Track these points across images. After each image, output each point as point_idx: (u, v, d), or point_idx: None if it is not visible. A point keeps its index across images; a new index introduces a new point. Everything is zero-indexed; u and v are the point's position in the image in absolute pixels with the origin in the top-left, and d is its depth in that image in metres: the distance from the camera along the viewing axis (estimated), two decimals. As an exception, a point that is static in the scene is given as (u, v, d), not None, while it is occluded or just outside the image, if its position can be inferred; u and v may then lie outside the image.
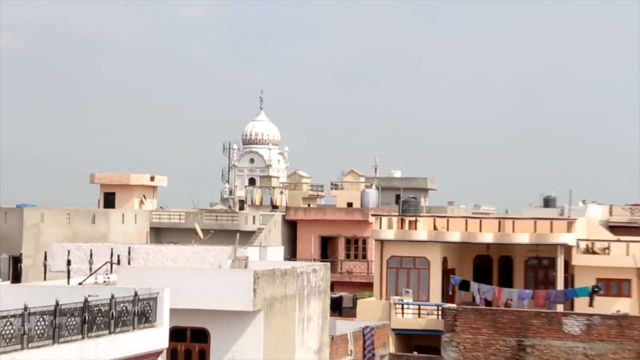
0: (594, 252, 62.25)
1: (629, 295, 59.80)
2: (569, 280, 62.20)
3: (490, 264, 67.30)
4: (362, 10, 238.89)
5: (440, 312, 58.85)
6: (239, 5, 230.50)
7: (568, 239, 62.74)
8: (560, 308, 57.85)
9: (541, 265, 65.50)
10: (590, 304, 57.89)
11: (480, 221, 68.53)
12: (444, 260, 64.89)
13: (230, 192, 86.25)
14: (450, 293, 62.81)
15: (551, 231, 64.07)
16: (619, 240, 63.47)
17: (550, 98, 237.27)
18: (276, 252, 54.32)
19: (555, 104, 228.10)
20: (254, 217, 71.92)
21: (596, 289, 58.62)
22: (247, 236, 63.15)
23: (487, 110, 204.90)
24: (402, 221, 66.69)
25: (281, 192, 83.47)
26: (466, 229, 65.80)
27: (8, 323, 21.22)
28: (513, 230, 65.00)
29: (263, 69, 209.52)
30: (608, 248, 62.38)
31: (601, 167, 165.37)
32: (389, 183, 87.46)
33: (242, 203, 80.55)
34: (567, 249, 62.58)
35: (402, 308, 60.95)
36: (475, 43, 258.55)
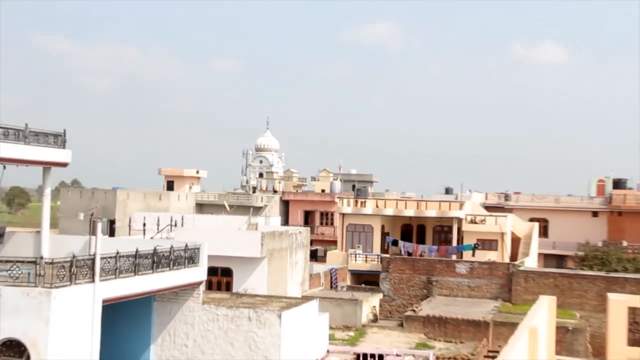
0: (475, 222, 63.55)
1: (495, 249, 61.09)
2: (460, 240, 63.61)
3: (412, 230, 68.26)
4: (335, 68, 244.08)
5: (379, 260, 57.71)
6: (255, 63, 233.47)
7: (459, 214, 64.15)
8: (454, 257, 58.67)
9: (443, 230, 66.09)
10: (473, 255, 58.89)
11: (405, 202, 69.74)
12: (382, 227, 66.08)
13: (247, 182, 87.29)
14: (386, 247, 63.73)
15: (449, 209, 65.54)
16: (490, 215, 64.90)
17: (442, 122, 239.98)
18: (275, 220, 55.99)
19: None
20: (261, 198, 72.94)
21: (476, 246, 59.84)
22: (257, 210, 64.42)
23: (411, 132, 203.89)
24: (356, 202, 68.02)
25: (279, 182, 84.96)
26: (396, 207, 67.38)
27: (107, 262, 23.18)
28: (426, 208, 66.42)
29: (270, 103, 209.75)
30: (484, 220, 63.78)
31: (480, 167, 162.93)
32: (348, 177, 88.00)
33: (254, 189, 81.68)
34: (459, 220, 63.85)
35: (355, 257, 62.28)
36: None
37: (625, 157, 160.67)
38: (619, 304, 14.08)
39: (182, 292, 28.37)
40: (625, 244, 69.44)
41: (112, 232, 53.75)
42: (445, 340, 41.37)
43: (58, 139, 26.11)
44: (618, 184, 77.76)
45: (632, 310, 14.81)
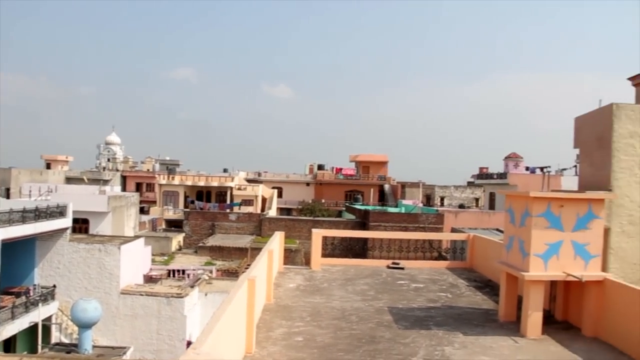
0: (240, 189, 63.80)
1: (252, 205, 61.69)
2: (231, 199, 63.59)
3: (203, 194, 67.63)
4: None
5: (183, 213, 57.42)
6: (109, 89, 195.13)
7: (231, 184, 64.42)
8: (228, 210, 58.74)
9: (222, 194, 66.10)
10: (239, 208, 58.68)
11: (199, 177, 68.28)
12: (185, 192, 65.19)
13: (99, 164, 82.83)
14: (187, 205, 62.94)
15: (225, 181, 65.56)
16: (249, 185, 65.58)
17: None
18: (117, 188, 54.23)
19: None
20: (108, 174, 69.82)
21: (241, 203, 60.73)
22: (105, 182, 61.26)
23: (207, 125, 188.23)
24: (168, 176, 66.69)
25: (120, 164, 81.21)
26: (194, 180, 66.48)
27: (4, 215, 23.03)
28: (211, 181, 66.01)
29: (117, 111, 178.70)
30: (246, 188, 64.29)
31: (244, 154, 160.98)
32: (164, 161, 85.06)
33: (104, 168, 77.55)
34: (231, 188, 63.98)
35: (168, 211, 61.12)
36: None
37: (323, 149, 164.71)
38: (317, 234, 14.85)
39: (55, 234, 27.71)
40: (323, 201, 72.10)
41: (8, 197, 49.51)
42: (223, 260, 42.03)
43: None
44: (320, 167, 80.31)
45: (324, 238, 15.87)
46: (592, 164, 13.17)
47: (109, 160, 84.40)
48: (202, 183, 66.75)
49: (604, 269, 11.53)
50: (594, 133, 13.03)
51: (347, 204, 66.79)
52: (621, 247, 12.27)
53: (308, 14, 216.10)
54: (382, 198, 72.91)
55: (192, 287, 29.96)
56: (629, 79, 15.53)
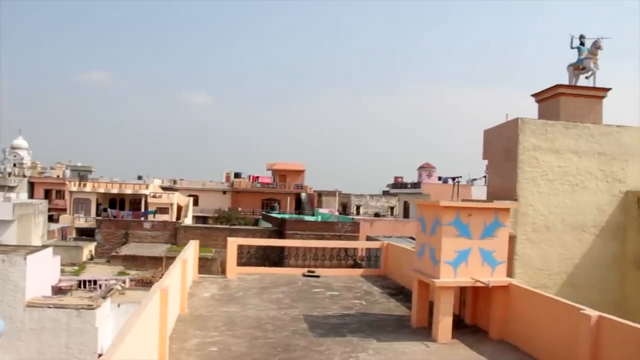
0: (155, 197, 62.63)
1: (168, 214, 60.60)
2: (146, 207, 62.24)
3: (116, 201, 65.87)
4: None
5: (95, 221, 55.74)
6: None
7: (146, 192, 63.06)
8: (142, 219, 57.57)
9: (136, 202, 64.69)
10: (154, 217, 58.02)
11: (112, 184, 66.71)
12: (97, 200, 63.40)
13: (4, 169, 78.73)
14: (99, 213, 61.08)
15: (140, 189, 64.14)
16: (164, 192, 64.33)
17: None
18: (23, 195, 51.87)
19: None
20: (14, 180, 66.61)
21: (156, 211, 59.45)
22: (11, 188, 58.47)
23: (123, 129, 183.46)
24: (80, 183, 64.33)
25: (27, 170, 77.74)
26: (106, 187, 64.59)
27: None
28: (125, 188, 64.43)
29: (24, 115, 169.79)
30: (161, 196, 63.05)
31: (160, 162, 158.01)
32: (75, 167, 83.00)
33: (9, 174, 73.91)
34: (146, 196, 62.72)
35: (79, 219, 59.14)
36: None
37: (240, 157, 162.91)
38: (233, 243, 14.75)
39: (-44, 244, 25.52)
40: (240, 209, 71.74)
41: None
42: (137, 269, 41.07)
43: None
44: (237, 175, 79.97)
45: (241, 247, 15.82)
46: (499, 175, 13.75)
47: (15, 165, 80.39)
48: (115, 190, 64.90)
49: (510, 274, 12.02)
50: (502, 145, 13.61)
51: (263, 213, 66.67)
52: (526, 254, 12.84)
53: (230, 20, 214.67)
54: (299, 206, 73.20)
55: (104, 298, 28.76)
56: (533, 95, 16.31)
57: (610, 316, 7.07)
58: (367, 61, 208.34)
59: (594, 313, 7.14)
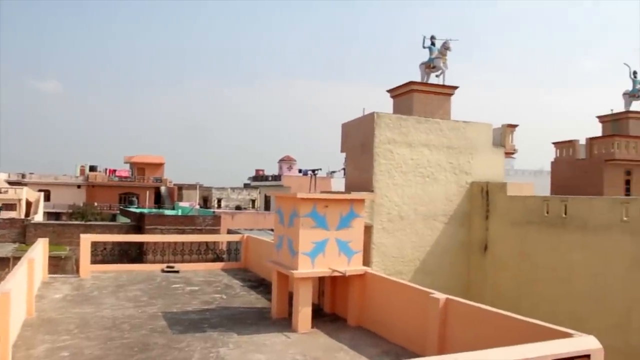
0: (1, 193, 57.98)
1: (15, 210, 56.22)
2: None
3: None
4: None
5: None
6: None
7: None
8: None
9: None
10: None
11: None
12: None
13: None
14: None
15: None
16: (11, 187, 59.45)
17: None
18: None
19: None
20: None
21: (1, 208, 54.90)
22: None
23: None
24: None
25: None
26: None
27: None
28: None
29: None
30: (7, 191, 58.33)
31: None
32: None
33: None
34: (-11, 191, 57.86)
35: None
36: None
37: (96, 150, 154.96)
38: (86, 239, 13.99)
39: None
40: (96, 204, 69.10)
41: None
42: (-22, 270, 37.37)
43: None
44: (93, 168, 76.46)
45: (95, 243, 15.12)
46: (357, 167, 14.15)
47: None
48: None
49: (368, 263, 12.44)
50: (359, 139, 14.01)
51: (121, 207, 64.51)
52: (382, 243, 13.35)
53: (85, 10, 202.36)
54: (159, 200, 71.53)
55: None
56: (388, 91, 16.97)
57: (456, 298, 7.49)
58: (229, 53, 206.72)
59: (442, 296, 7.54)
